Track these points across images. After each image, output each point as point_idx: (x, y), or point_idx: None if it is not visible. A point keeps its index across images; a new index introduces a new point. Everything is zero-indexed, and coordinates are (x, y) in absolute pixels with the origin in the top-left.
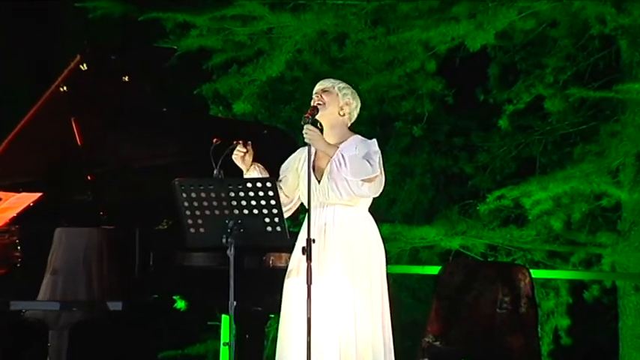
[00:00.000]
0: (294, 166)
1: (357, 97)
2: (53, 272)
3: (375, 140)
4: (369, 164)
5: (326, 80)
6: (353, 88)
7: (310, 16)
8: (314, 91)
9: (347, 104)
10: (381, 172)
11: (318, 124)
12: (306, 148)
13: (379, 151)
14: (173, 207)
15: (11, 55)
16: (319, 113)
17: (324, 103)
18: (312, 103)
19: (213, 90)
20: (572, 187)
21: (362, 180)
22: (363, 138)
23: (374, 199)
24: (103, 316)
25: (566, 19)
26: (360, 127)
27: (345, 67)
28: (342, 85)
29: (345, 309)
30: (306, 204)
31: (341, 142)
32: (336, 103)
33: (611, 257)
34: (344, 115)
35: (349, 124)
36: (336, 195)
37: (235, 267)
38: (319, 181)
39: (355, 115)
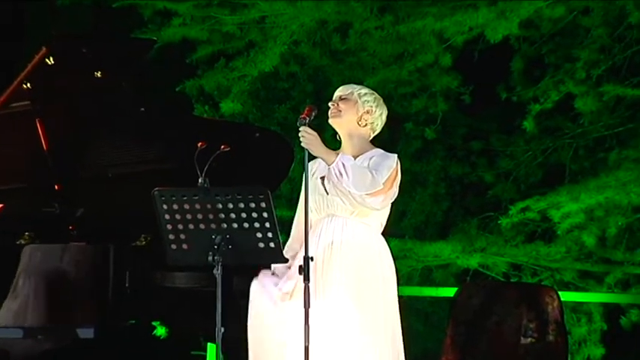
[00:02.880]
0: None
1: (383, 105)
2: (16, 294)
3: (395, 155)
4: (370, 175)
5: (346, 86)
6: (379, 95)
7: (308, 3)
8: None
9: (368, 113)
10: (389, 187)
11: (337, 137)
12: (317, 159)
13: (394, 167)
14: (152, 220)
15: None
16: (336, 121)
17: (340, 111)
18: (329, 113)
19: (197, 87)
20: (606, 198)
21: (366, 194)
22: (384, 152)
23: (387, 220)
24: (73, 344)
25: (601, 5)
26: None
27: (348, 60)
28: (364, 91)
29: (349, 339)
30: (313, 218)
31: (357, 157)
32: (354, 111)
33: None
34: (365, 125)
35: (371, 136)
36: (344, 206)
37: (223, 288)
38: (329, 193)
39: (379, 126)
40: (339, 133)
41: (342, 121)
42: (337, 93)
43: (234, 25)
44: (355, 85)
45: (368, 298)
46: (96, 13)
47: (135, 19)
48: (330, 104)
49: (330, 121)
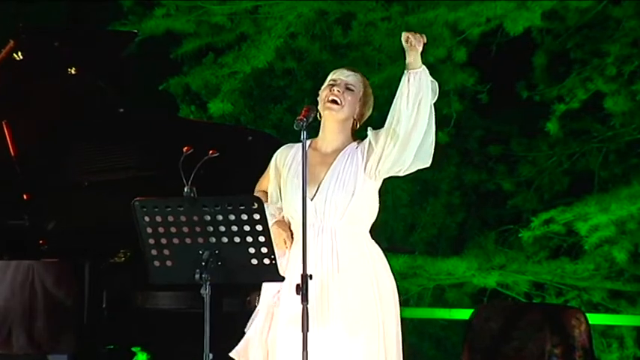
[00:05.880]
0: (275, 174)
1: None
2: None
3: (369, 128)
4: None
5: (355, 75)
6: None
7: None
8: (332, 77)
9: (362, 114)
10: None
11: (318, 116)
12: (295, 146)
13: None
14: (133, 234)
15: None
16: (333, 112)
17: (342, 105)
18: (322, 93)
19: (183, 85)
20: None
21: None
22: (358, 140)
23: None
24: None
25: None
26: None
27: (351, 55)
28: (369, 91)
29: None
30: (294, 227)
31: (340, 151)
32: (355, 106)
33: None
34: (354, 121)
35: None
36: (336, 209)
37: (211, 310)
38: (312, 198)
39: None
40: (326, 120)
41: (339, 114)
42: (343, 77)
43: (223, 16)
44: (361, 77)
45: (369, 319)
46: (70, 4)
47: (113, 9)
48: (335, 89)
49: (327, 110)
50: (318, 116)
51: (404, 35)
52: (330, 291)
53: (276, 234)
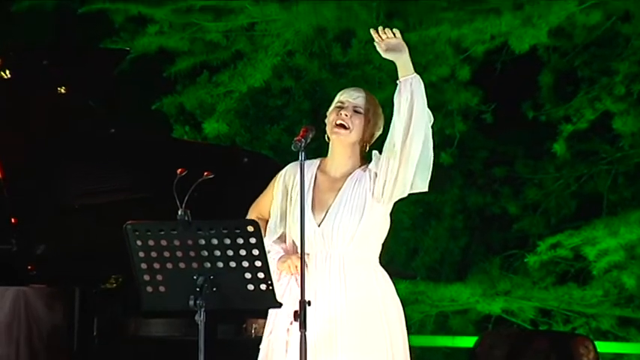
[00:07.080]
0: (282, 192)
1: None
2: None
3: (375, 152)
4: None
5: (362, 95)
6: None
7: (305, 7)
8: (340, 99)
9: (372, 134)
10: None
11: (326, 137)
12: (290, 167)
13: None
14: (124, 258)
15: None
16: (340, 137)
17: (350, 129)
18: (330, 116)
19: (177, 105)
20: None
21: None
22: (367, 164)
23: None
24: None
25: None
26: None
27: (351, 74)
28: (379, 111)
29: None
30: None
31: (347, 176)
32: (361, 132)
33: None
34: (363, 145)
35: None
36: (344, 235)
37: (206, 337)
38: (319, 224)
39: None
40: (335, 144)
41: (347, 138)
42: (351, 100)
43: (218, 33)
44: (370, 97)
45: (374, 348)
46: (59, 21)
47: (105, 26)
48: (343, 113)
49: (334, 135)
50: (326, 138)
51: (372, 31)
52: (337, 319)
53: (283, 263)
